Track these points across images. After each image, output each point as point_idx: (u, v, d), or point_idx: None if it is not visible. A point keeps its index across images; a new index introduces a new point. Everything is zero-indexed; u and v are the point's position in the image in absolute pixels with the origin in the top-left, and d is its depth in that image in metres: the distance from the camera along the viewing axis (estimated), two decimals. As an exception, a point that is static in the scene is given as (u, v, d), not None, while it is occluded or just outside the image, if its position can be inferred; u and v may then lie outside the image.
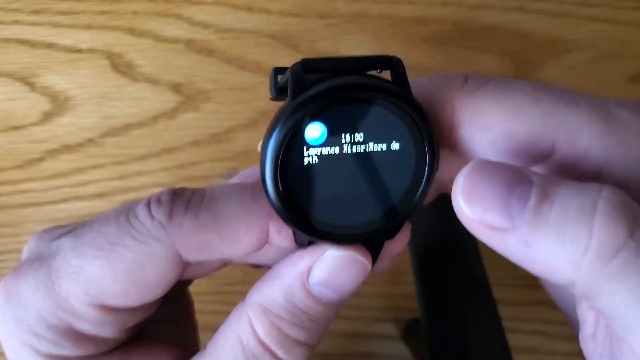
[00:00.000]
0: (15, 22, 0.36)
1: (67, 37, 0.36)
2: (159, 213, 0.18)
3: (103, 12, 0.36)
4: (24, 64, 0.36)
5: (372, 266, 0.19)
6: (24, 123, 0.36)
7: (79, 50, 0.36)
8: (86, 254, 0.18)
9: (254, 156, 0.37)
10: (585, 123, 0.16)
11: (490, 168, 0.14)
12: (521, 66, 0.37)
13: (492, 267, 0.30)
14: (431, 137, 0.16)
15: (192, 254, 0.18)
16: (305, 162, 0.16)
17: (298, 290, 0.18)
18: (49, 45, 0.36)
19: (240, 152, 0.37)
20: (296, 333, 0.18)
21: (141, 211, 0.18)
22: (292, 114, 0.15)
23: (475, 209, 0.14)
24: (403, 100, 0.16)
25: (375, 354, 0.36)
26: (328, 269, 0.18)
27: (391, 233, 0.18)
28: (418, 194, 0.17)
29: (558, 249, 0.13)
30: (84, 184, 0.37)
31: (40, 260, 0.18)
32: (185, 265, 0.18)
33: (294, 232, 0.18)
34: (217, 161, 0.37)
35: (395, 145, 0.16)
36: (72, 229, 0.19)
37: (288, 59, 0.36)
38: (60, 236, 0.19)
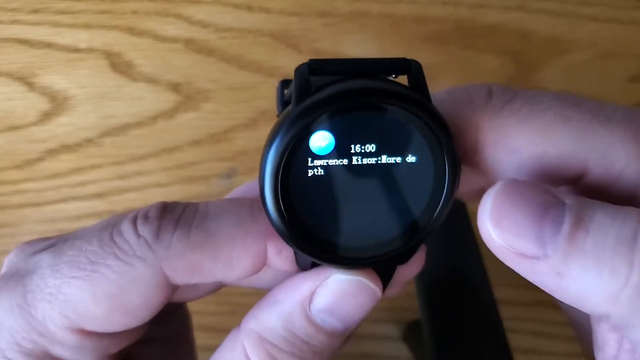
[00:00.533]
0: (14, 21, 0.36)
1: (66, 37, 0.36)
2: (145, 230, 0.16)
3: (102, 12, 0.36)
4: (23, 64, 0.36)
5: (383, 292, 0.17)
6: (23, 123, 0.36)
7: (78, 50, 0.36)
8: (64, 273, 0.16)
9: (254, 156, 0.37)
10: (619, 143, 0.14)
11: (521, 190, 0.13)
12: (521, 66, 0.37)
13: (493, 267, 0.30)
14: (453, 151, 0.14)
15: (181, 277, 0.16)
16: (310, 173, 0.14)
17: (298, 318, 0.16)
18: (48, 45, 0.36)
19: (239, 152, 0.37)
20: None
21: (126, 228, 0.16)
22: (296, 120, 0.14)
23: (505, 235, 0.13)
24: (422, 109, 0.14)
25: (376, 355, 0.36)
26: (333, 294, 0.16)
27: (404, 257, 0.16)
28: (435, 214, 0.15)
29: (594, 281, 0.12)
30: (82, 184, 0.36)
31: (16, 278, 0.17)
32: (173, 288, 0.17)
33: (295, 253, 0.16)
34: (216, 161, 0.37)
35: (411, 159, 0.15)
36: (55, 242, 0.18)
37: (288, 59, 0.36)
38: (40, 251, 0.18)
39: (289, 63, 0.36)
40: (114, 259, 0.16)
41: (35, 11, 0.36)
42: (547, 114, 0.15)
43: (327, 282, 0.16)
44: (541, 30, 0.37)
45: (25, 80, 0.36)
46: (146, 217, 0.16)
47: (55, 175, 0.36)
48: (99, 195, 0.36)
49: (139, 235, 0.16)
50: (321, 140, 0.14)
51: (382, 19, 0.36)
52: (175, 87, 0.36)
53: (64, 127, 0.36)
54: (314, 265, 0.16)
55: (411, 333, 0.35)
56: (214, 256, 0.16)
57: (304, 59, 0.15)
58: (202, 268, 0.16)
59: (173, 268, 0.16)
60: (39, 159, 0.36)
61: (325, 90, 0.14)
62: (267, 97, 0.36)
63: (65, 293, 0.16)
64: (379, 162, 0.14)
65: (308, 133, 0.14)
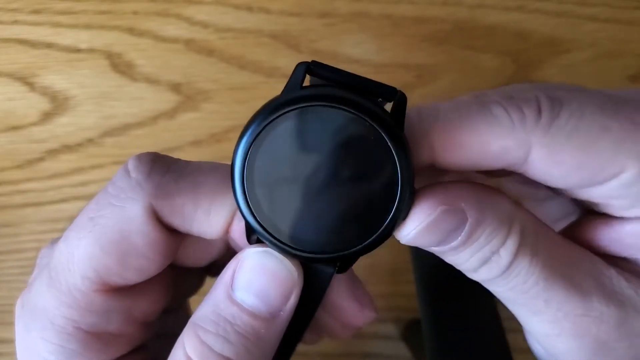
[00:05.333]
0: (15, 22, 0.36)
1: (67, 37, 0.36)
2: (138, 171, 0.17)
3: (103, 12, 0.36)
4: (24, 64, 0.36)
5: (314, 296, 0.18)
6: (24, 123, 0.36)
7: (78, 50, 0.36)
8: (72, 239, 0.17)
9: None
10: None
11: (447, 216, 0.16)
12: (521, 66, 0.37)
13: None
14: (409, 182, 0.16)
15: (166, 216, 0.18)
16: (277, 156, 0.16)
17: (223, 299, 0.17)
18: (49, 45, 0.36)
19: (240, 152, 0.37)
20: (220, 345, 0.17)
21: (118, 176, 0.18)
22: (279, 107, 0.15)
23: (416, 241, 0.17)
24: (393, 136, 0.15)
25: (376, 354, 0.36)
26: (247, 270, 0.17)
27: (340, 266, 0.17)
28: (375, 237, 0.16)
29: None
30: (83, 183, 0.36)
31: (45, 265, 0.18)
32: (172, 236, 0.18)
33: (247, 228, 0.17)
34: (217, 161, 0.37)
35: (369, 177, 0.16)
36: None
37: (288, 59, 0.36)
38: None
39: (289, 63, 0.36)
40: (110, 208, 0.17)
41: (35, 11, 0.36)
42: (589, 128, 0.16)
43: (242, 258, 0.17)
44: (540, 30, 0.37)
45: (26, 81, 0.36)
46: (139, 160, 0.18)
47: (56, 175, 0.36)
48: (100, 195, 0.37)
49: (131, 178, 0.17)
50: (295, 130, 0.15)
51: (381, 19, 0.36)
52: (175, 87, 0.36)
53: (64, 127, 0.36)
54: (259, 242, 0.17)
55: (411, 332, 0.35)
56: (195, 203, 0.18)
57: (304, 59, 0.16)
58: (183, 211, 0.18)
59: (160, 206, 0.17)
60: (39, 159, 0.36)
61: (311, 89, 0.16)
62: (267, 97, 0.36)
63: (78, 256, 0.17)
64: (341, 169, 0.15)
65: (285, 120, 0.15)
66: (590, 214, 0.19)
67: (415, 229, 0.16)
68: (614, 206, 0.17)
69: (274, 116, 0.15)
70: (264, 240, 0.17)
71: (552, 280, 0.17)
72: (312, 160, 0.15)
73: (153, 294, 0.19)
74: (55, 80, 0.36)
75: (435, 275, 0.29)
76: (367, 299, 0.22)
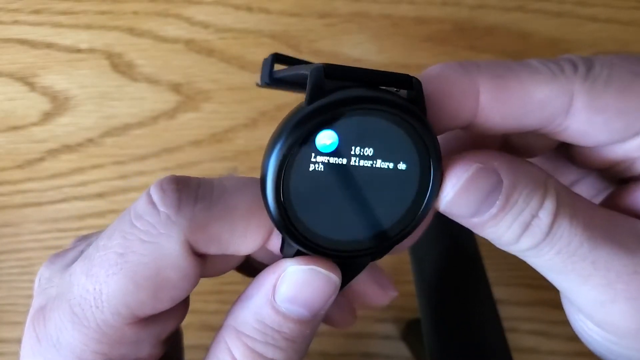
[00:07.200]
0: (15, 22, 0.36)
1: (67, 37, 0.36)
2: (165, 205, 0.17)
3: (103, 12, 0.36)
4: (24, 64, 0.36)
5: (346, 281, 0.18)
6: (24, 123, 0.36)
7: (78, 50, 0.36)
8: (99, 275, 0.17)
9: (254, 156, 0.37)
10: None
11: (482, 175, 0.16)
12: (521, 66, 0.37)
13: (493, 267, 0.30)
14: (438, 164, 0.16)
15: (202, 247, 0.17)
16: (311, 168, 0.15)
17: (266, 310, 0.17)
18: (49, 45, 0.36)
19: (240, 152, 0.37)
20: (271, 353, 0.17)
21: (144, 209, 0.17)
22: (309, 118, 0.15)
23: (455, 205, 0.17)
24: (418, 121, 0.15)
25: (376, 354, 0.36)
26: (292, 284, 0.17)
27: (377, 255, 0.18)
28: (413, 222, 0.16)
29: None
30: (84, 183, 0.37)
31: (60, 297, 0.17)
32: (203, 257, 0.18)
33: (283, 240, 0.17)
34: (217, 161, 0.37)
35: (401, 166, 0.16)
36: (83, 248, 0.18)
37: (288, 59, 0.36)
38: (72, 262, 0.18)
39: (289, 63, 0.36)
40: (140, 244, 0.16)
41: (36, 12, 0.36)
42: (621, 74, 0.17)
43: (285, 273, 0.17)
44: (541, 30, 0.37)
45: (26, 81, 0.36)
46: (162, 191, 0.17)
47: (56, 175, 0.37)
48: (100, 195, 0.37)
49: (159, 212, 0.17)
50: (326, 139, 0.15)
51: (381, 19, 0.36)
52: (175, 87, 0.36)
53: (65, 127, 0.36)
54: (298, 254, 0.17)
55: (410, 332, 0.35)
56: (232, 228, 0.17)
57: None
58: (220, 239, 0.17)
59: (195, 238, 0.17)
60: (40, 159, 0.36)
61: (336, 94, 0.15)
62: (267, 97, 0.36)
63: (107, 294, 0.16)
64: (374, 165, 0.16)
65: (317, 130, 0.15)
66: (620, 184, 0.19)
67: (453, 188, 0.16)
68: None
69: (306, 127, 0.15)
70: (305, 252, 0.17)
71: (596, 240, 0.17)
72: (349, 164, 0.16)
73: (178, 313, 0.19)
74: (56, 80, 0.36)
75: (434, 275, 0.29)
76: (386, 281, 0.23)
